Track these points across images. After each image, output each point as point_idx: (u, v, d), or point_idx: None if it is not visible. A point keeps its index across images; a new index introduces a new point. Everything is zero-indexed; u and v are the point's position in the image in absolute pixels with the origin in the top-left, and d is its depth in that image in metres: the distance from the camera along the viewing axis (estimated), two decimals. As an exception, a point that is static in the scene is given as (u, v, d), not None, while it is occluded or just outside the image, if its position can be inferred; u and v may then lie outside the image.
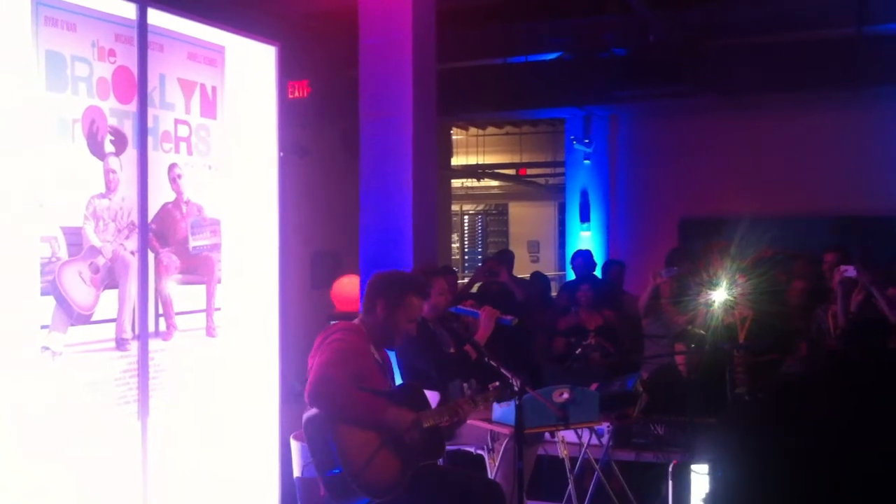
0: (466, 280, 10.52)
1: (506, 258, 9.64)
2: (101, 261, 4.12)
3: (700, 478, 4.82)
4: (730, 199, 10.99)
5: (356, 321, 4.52)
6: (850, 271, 6.41)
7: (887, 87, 10.17)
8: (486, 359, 4.46)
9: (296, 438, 5.49)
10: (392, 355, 4.85)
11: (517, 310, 7.00)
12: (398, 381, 5.08)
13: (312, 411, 4.13)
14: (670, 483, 5.07)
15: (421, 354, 5.45)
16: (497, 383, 4.52)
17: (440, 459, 4.38)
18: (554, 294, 10.42)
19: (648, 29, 9.67)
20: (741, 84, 10.29)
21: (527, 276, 10.36)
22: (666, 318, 7.34)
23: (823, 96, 10.85)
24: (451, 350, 5.47)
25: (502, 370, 4.33)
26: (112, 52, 4.20)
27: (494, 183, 18.56)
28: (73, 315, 3.98)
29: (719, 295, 6.50)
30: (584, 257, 9.25)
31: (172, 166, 4.57)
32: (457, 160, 16.33)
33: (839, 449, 0.88)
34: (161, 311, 4.51)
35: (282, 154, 5.40)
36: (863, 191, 10.94)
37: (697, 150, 11.77)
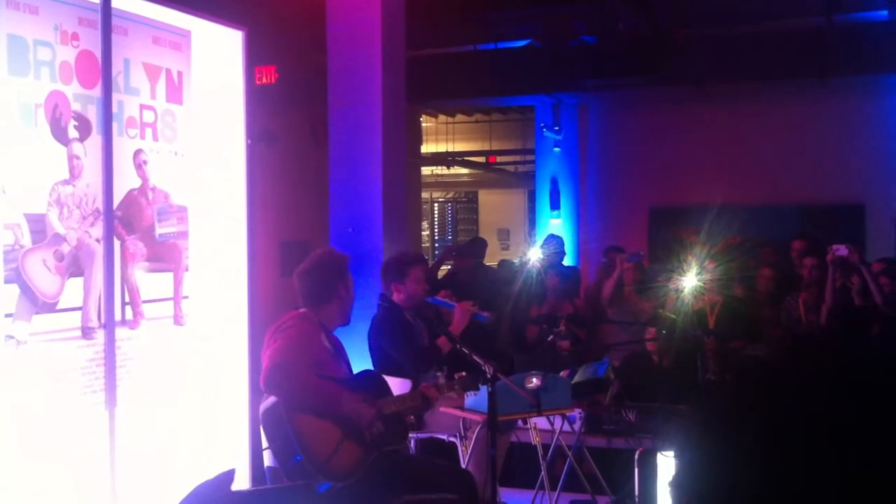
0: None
1: (478, 246, 9.62)
2: (65, 248, 4.04)
3: (667, 463, 4.83)
4: (698, 187, 11.05)
5: (304, 311, 4.48)
6: (842, 250, 6.43)
7: (855, 76, 10.25)
8: (457, 345, 4.44)
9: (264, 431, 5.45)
10: (358, 343, 4.83)
11: (487, 299, 6.99)
12: (363, 368, 5.03)
13: (269, 401, 4.11)
14: (636, 470, 5.08)
15: (396, 345, 5.42)
16: (463, 373, 4.51)
17: (404, 444, 4.36)
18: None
19: (618, 18, 9.67)
20: (710, 74, 10.32)
21: (495, 263, 10.33)
22: (629, 306, 7.37)
23: (792, 86, 10.92)
24: (426, 342, 5.45)
25: (475, 357, 4.31)
26: (75, 36, 4.12)
27: (464, 170, 18.53)
28: (38, 303, 3.91)
29: (689, 281, 6.52)
30: (555, 242, 9.23)
31: (138, 152, 4.50)
32: (426, 148, 16.29)
33: (804, 432, 0.87)
34: (127, 300, 4.44)
35: (249, 141, 5.34)
36: (830, 179, 11.04)
37: (666, 140, 11.81)
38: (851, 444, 0.85)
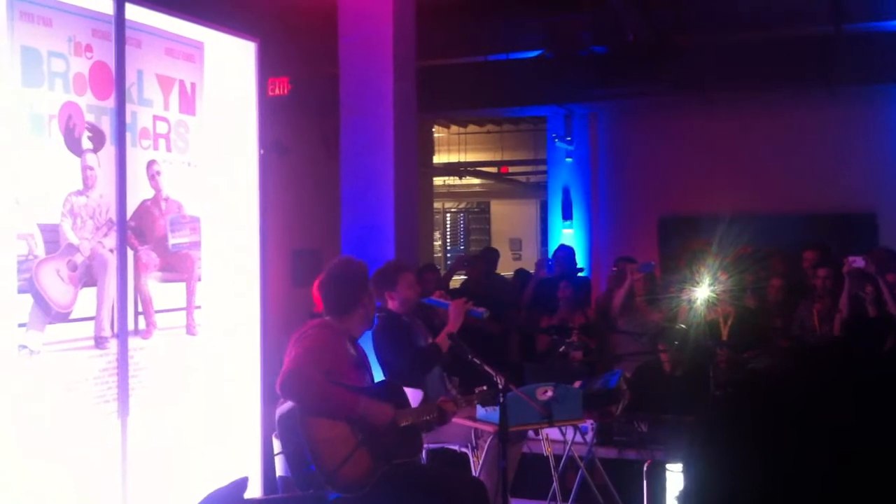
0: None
1: (489, 256, 9.62)
2: (78, 258, 4.06)
3: (675, 476, 4.81)
4: (709, 197, 11.01)
5: (328, 319, 4.48)
6: (859, 262, 6.36)
7: (862, 85, 10.22)
8: (469, 356, 4.43)
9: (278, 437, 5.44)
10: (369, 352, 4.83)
11: (497, 308, 6.98)
12: (377, 377, 5.04)
13: (285, 407, 4.11)
14: (645, 483, 5.06)
15: (397, 350, 5.42)
16: (484, 387, 4.50)
17: (417, 457, 4.35)
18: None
19: (626, 27, 9.67)
20: (719, 82, 10.30)
21: (510, 273, 10.32)
22: (640, 316, 7.34)
23: (802, 94, 10.90)
24: (429, 342, 5.44)
25: (486, 368, 4.30)
26: (89, 48, 4.15)
27: (476, 181, 18.55)
28: (51, 313, 3.93)
29: (702, 292, 6.50)
30: (566, 252, 9.23)
31: (151, 163, 4.52)
32: (438, 158, 16.30)
33: (810, 444, 0.86)
34: (140, 310, 4.46)
35: (262, 151, 5.36)
36: (841, 188, 10.99)
37: (676, 149, 11.79)
38: (860, 455, 0.85)
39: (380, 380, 4.58)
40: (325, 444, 4.05)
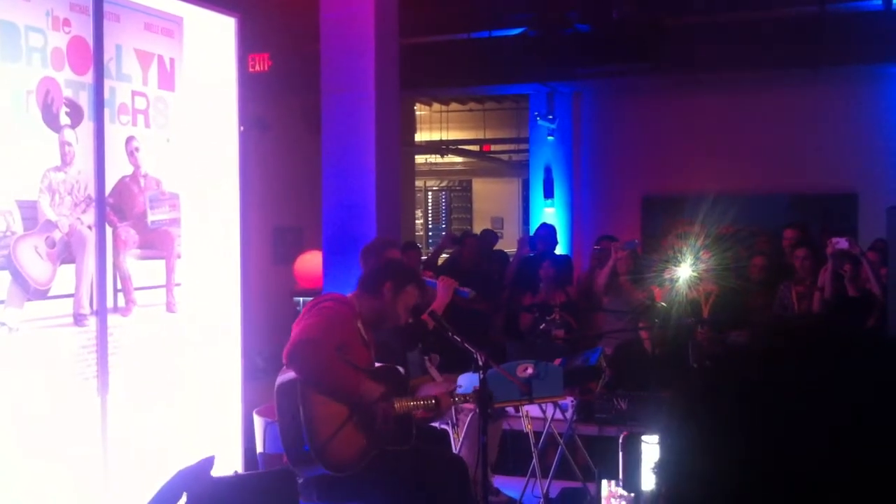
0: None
1: (486, 239, 9.61)
2: (57, 235, 4.04)
3: (650, 448, 4.84)
4: (692, 176, 11.04)
5: (349, 296, 4.46)
6: (842, 243, 6.33)
7: (846, 65, 10.25)
8: (449, 333, 4.42)
9: (259, 414, 5.44)
10: None
11: (483, 287, 6.99)
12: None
13: (287, 376, 4.07)
14: (620, 454, 5.09)
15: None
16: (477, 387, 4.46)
17: (408, 446, 4.32)
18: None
19: (612, 6, 9.65)
20: (704, 62, 10.30)
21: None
22: (624, 295, 7.37)
23: (785, 74, 10.92)
24: (409, 320, 5.43)
25: (466, 346, 4.30)
26: (67, 22, 4.10)
27: (458, 159, 18.52)
28: (30, 290, 3.91)
29: (683, 271, 6.53)
30: (548, 231, 9.24)
31: (130, 139, 4.49)
32: (420, 136, 16.26)
33: (777, 415, 0.87)
34: (120, 287, 4.43)
35: (242, 128, 5.33)
36: (823, 168, 11.04)
37: (660, 128, 11.79)
38: (828, 430, 0.85)
39: (381, 364, 4.51)
40: (321, 419, 4.03)
